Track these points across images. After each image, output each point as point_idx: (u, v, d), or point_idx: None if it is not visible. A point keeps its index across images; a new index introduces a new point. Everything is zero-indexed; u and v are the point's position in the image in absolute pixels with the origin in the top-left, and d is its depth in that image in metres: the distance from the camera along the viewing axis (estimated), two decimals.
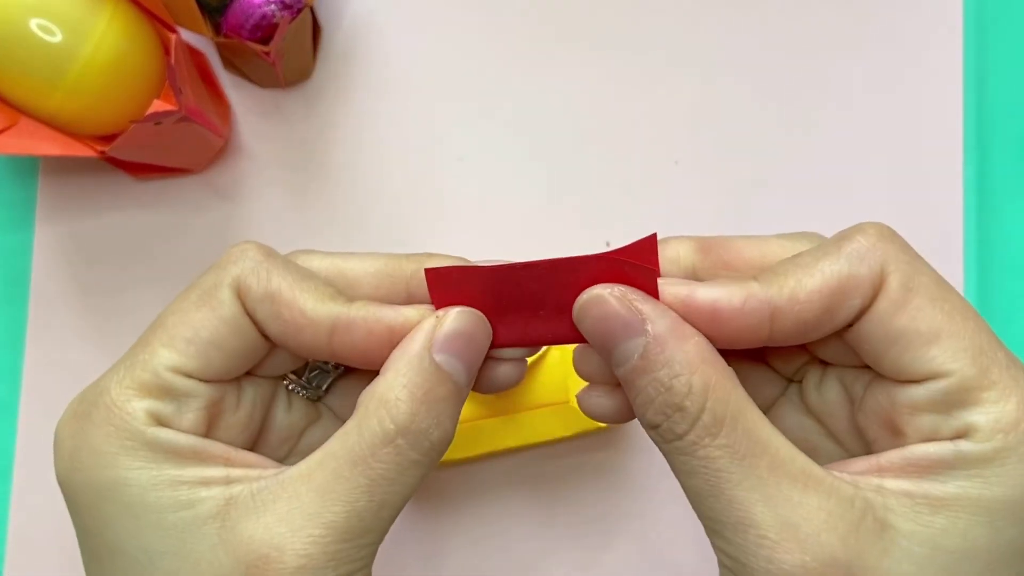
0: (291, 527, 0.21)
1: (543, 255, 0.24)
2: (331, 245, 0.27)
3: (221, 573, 0.20)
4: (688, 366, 0.21)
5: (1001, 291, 0.39)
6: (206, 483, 0.21)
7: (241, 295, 0.23)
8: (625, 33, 0.39)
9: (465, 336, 0.22)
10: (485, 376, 0.25)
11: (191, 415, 0.22)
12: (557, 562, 0.38)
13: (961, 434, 0.20)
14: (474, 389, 0.25)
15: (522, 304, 0.23)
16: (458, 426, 0.35)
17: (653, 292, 0.22)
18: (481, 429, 0.35)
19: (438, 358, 0.22)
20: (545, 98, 0.39)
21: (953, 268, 0.38)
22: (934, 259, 0.39)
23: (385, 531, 0.22)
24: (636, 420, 0.26)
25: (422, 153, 0.39)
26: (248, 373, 0.25)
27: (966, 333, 0.21)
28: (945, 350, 0.21)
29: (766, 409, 0.25)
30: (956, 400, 0.21)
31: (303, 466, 0.22)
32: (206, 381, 0.23)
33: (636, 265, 0.22)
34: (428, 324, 0.22)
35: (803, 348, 0.25)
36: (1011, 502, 0.20)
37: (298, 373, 0.26)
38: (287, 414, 0.26)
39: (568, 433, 0.36)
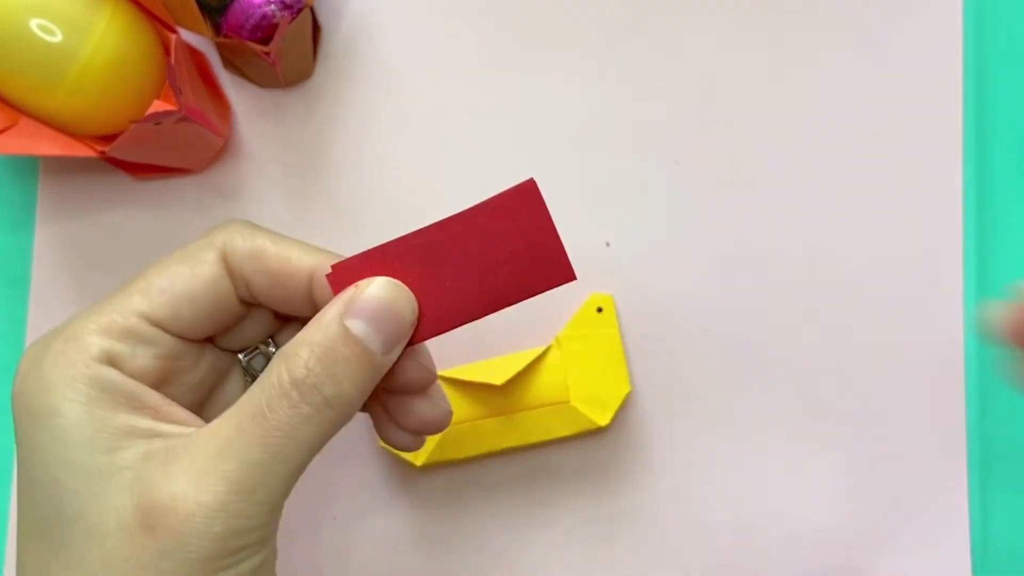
0: (189, 477, 0.21)
1: None
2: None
3: (121, 519, 0.21)
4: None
5: (1000, 291, 0.39)
6: (129, 434, 0.22)
7: (227, 258, 0.24)
8: (625, 33, 0.39)
9: (382, 304, 0.23)
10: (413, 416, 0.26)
11: (144, 361, 0.23)
12: (557, 560, 0.38)
13: None
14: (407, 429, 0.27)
15: (437, 277, 0.24)
16: (458, 426, 0.36)
17: (552, 232, 0.23)
18: (481, 429, 0.36)
19: (348, 322, 0.23)
20: (545, 98, 0.39)
21: (952, 268, 0.38)
22: (933, 259, 0.39)
23: (281, 491, 0.22)
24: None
25: (422, 153, 0.39)
26: (211, 342, 0.26)
27: None
28: None
29: None
30: None
31: (214, 423, 0.22)
32: (170, 333, 0.24)
33: (525, 211, 0.24)
34: (348, 293, 0.23)
35: None
36: None
37: (248, 354, 0.28)
38: (242, 390, 0.27)
39: (568, 433, 0.36)
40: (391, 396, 0.26)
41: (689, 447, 0.38)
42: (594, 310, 0.37)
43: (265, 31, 0.34)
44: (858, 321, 0.38)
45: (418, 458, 0.35)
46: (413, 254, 0.24)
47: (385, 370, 0.24)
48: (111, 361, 0.23)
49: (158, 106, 0.31)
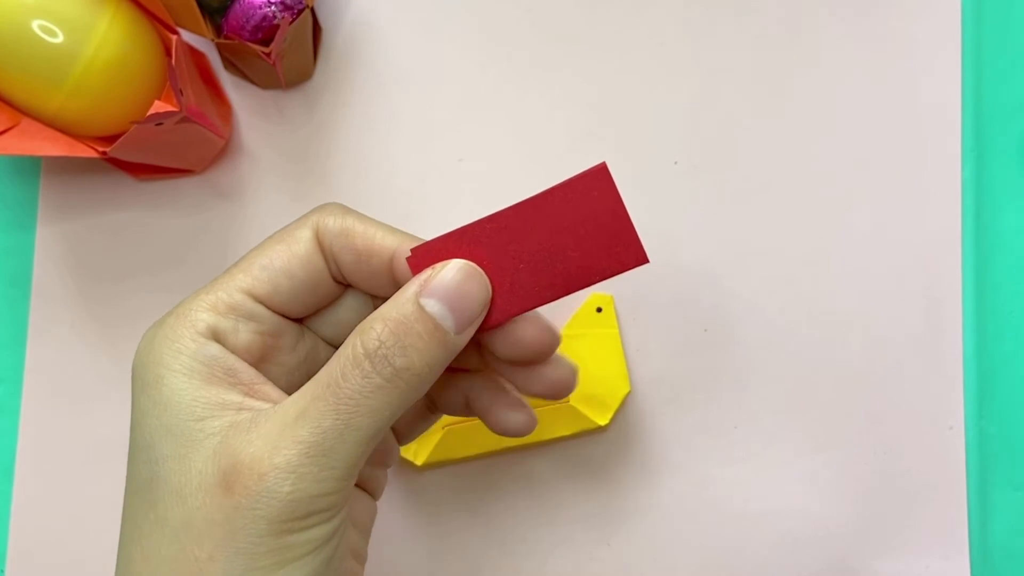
0: (267, 442, 0.23)
1: None
2: None
3: (203, 480, 0.23)
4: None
5: (999, 291, 0.39)
6: (220, 406, 0.24)
7: (319, 235, 0.26)
8: (624, 33, 0.39)
9: (457, 285, 0.24)
10: (498, 420, 0.27)
11: (246, 336, 0.25)
12: (557, 560, 0.38)
13: None
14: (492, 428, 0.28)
15: (511, 260, 0.24)
16: (458, 426, 0.36)
17: (623, 215, 0.24)
18: (481, 429, 0.36)
19: (423, 301, 0.24)
20: (544, 99, 0.39)
21: (951, 268, 0.38)
22: (932, 258, 0.39)
23: (351, 459, 0.23)
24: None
25: (422, 154, 0.39)
26: (310, 328, 0.28)
27: None
28: None
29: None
30: None
31: (294, 394, 0.24)
32: (271, 309, 0.26)
33: (597, 195, 0.24)
34: (425, 274, 0.24)
35: None
36: None
37: None
38: None
39: (568, 433, 0.36)
40: (516, 369, 0.27)
41: (689, 447, 0.38)
42: (594, 310, 0.37)
43: (266, 32, 0.34)
44: (857, 321, 0.38)
45: (418, 458, 0.36)
46: (488, 237, 0.24)
47: (458, 351, 0.25)
48: (215, 336, 0.24)
49: (159, 107, 0.31)
